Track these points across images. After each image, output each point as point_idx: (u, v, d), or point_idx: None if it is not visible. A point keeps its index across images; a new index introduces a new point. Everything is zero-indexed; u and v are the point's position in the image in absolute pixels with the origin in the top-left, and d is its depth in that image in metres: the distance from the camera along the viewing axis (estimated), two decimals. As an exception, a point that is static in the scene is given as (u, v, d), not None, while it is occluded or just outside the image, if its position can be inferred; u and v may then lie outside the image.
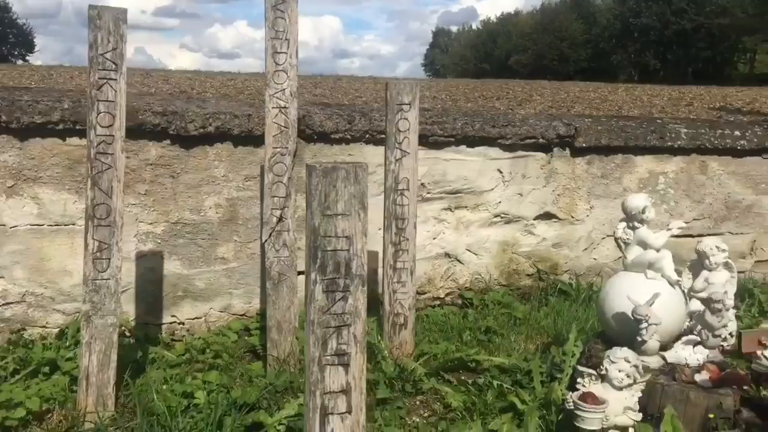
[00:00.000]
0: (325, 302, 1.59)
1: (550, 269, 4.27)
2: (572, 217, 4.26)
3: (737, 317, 3.95)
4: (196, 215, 3.57)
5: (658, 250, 2.65)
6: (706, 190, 4.42)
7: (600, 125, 4.22)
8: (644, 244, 2.68)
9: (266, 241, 2.96)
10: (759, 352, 2.42)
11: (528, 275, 4.25)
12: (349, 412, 1.63)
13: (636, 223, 2.69)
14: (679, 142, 4.28)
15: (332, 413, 1.62)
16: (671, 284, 2.64)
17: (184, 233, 3.56)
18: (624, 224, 2.74)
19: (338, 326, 1.61)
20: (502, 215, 4.16)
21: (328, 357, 1.61)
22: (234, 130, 3.53)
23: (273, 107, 2.90)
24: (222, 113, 3.52)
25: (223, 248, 3.64)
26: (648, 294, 2.53)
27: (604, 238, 4.30)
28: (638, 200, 2.68)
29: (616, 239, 2.77)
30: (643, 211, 2.66)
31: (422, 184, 3.95)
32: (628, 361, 2.17)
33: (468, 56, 71.17)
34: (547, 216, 4.23)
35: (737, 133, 4.37)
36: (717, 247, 2.69)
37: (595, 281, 4.21)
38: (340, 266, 1.60)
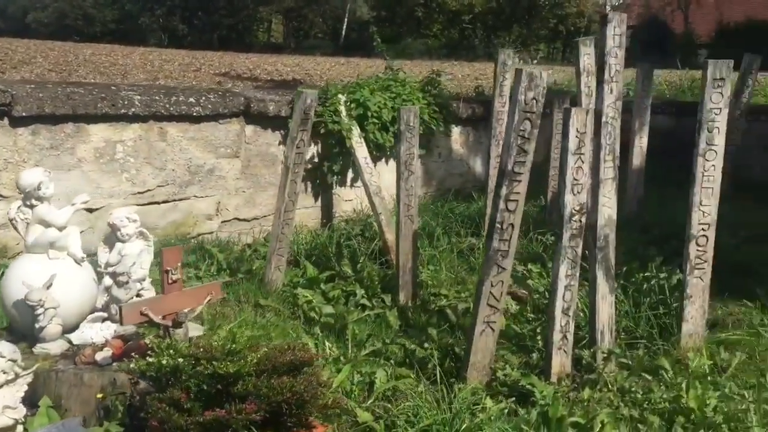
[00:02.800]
0: None
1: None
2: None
3: (198, 278, 4.16)
4: None
5: (61, 228, 2.50)
6: (168, 157, 4.46)
7: (43, 92, 3.88)
8: (46, 223, 2.49)
9: None
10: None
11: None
12: None
13: (34, 201, 2.48)
14: (133, 110, 4.20)
15: None
16: (78, 262, 2.52)
17: None
18: (20, 203, 2.51)
19: None
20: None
21: None
22: None
23: None
24: None
25: None
26: (49, 272, 2.36)
27: (61, 213, 4.03)
28: (32, 176, 2.47)
29: (10, 220, 2.52)
30: (39, 188, 2.47)
31: None
32: (3, 357, 1.97)
33: (-25, 9, 62.26)
34: (-13, 194, 3.77)
35: (192, 99, 4.49)
36: (128, 218, 2.65)
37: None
38: None
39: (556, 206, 4.35)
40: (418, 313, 4.03)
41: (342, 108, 5.11)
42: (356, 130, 5.15)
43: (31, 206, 2.48)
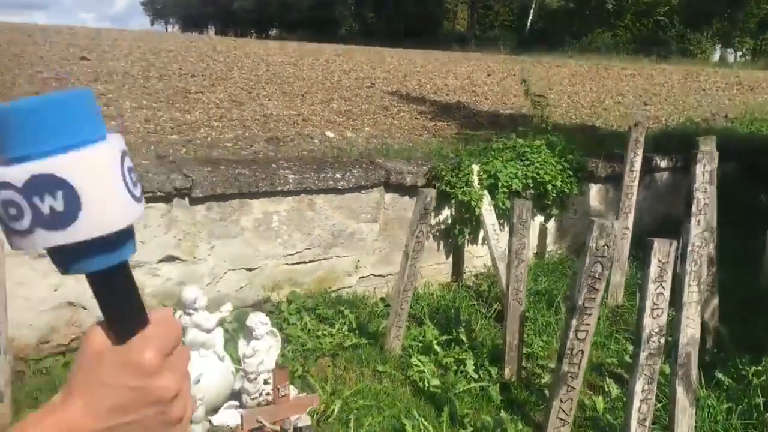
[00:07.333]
0: None
1: (176, 305, 4.76)
2: (194, 257, 4.76)
3: (332, 335, 4.85)
4: None
5: (209, 331, 3.24)
6: (315, 224, 5.19)
7: (216, 176, 4.73)
8: (200, 327, 3.25)
9: None
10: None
11: (155, 313, 4.70)
12: None
13: (191, 310, 3.25)
14: (288, 186, 4.96)
15: None
16: (220, 358, 3.25)
17: None
18: (180, 312, 3.28)
19: None
20: (126, 262, 4.52)
21: None
22: None
23: None
24: None
25: None
26: (198, 371, 3.11)
27: (226, 272, 4.89)
28: (190, 293, 3.23)
29: (173, 325, 3.31)
30: (195, 301, 3.22)
31: (39, 242, 4.16)
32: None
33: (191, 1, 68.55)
34: (170, 258, 4.68)
35: (338, 175, 5.17)
36: (261, 323, 3.35)
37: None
38: None
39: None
40: (520, 389, 4.44)
41: (474, 178, 5.56)
42: (487, 199, 5.58)
43: (189, 314, 3.25)
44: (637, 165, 5.47)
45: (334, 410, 3.84)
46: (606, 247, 3.12)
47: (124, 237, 0.65)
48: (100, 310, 0.65)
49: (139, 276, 4.58)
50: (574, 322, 3.19)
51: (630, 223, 5.57)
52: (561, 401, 3.29)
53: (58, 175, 0.57)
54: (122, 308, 0.67)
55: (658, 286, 3.36)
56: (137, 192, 0.64)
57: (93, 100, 0.61)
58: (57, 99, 0.58)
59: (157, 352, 0.66)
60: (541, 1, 49.33)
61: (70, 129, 0.58)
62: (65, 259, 0.61)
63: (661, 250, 3.32)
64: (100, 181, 0.59)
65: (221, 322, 3.38)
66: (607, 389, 4.43)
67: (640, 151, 5.46)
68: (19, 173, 0.56)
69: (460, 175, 5.52)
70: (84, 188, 0.58)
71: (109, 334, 0.67)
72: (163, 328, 0.69)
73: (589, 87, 15.09)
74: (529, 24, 48.24)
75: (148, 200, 4.48)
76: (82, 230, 0.59)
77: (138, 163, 4.87)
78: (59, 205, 0.58)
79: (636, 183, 5.51)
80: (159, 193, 4.49)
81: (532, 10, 49.48)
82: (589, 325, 3.20)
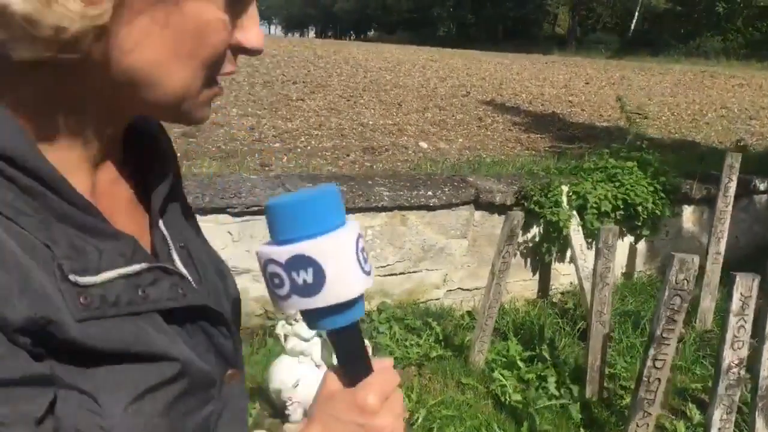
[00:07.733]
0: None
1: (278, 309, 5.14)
2: (294, 266, 5.12)
3: (419, 345, 5.11)
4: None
5: (308, 340, 3.57)
6: (406, 238, 5.46)
7: (316, 191, 5.08)
8: (299, 336, 3.58)
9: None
10: None
11: (257, 315, 5.10)
12: None
13: (292, 320, 3.58)
14: (382, 203, 5.25)
15: None
16: (317, 366, 3.57)
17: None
18: (283, 321, 3.62)
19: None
20: (233, 269, 4.93)
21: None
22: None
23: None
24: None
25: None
26: (297, 376, 3.44)
27: (322, 281, 5.23)
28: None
29: (275, 334, 3.64)
30: (296, 313, 3.55)
31: (159, 249, 4.62)
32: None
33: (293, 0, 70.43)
34: (273, 267, 5.06)
35: (430, 193, 5.42)
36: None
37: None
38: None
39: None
40: (601, 409, 4.55)
41: (564, 198, 5.68)
42: (575, 220, 5.69)
43: (290, 324, 3.58)
44: (732, 190, 5.44)
45: (418, 419, 4.10)
46: (685, 281, 3.23)
47: (356, 303, 0.83)
48: (336, 358, 0.87)
49: (244, 282, 4.99)
50: (651, 351, 3.31)
51: (722, 248, 5.54)
52: (637, 425, 3.42)
53: (309, 256, 0.74)
54: (352, 358, 0.86)
55: (740, 320, 3.43)
56: (367, 267, 0.82)
57: (339, 194, 0.81)
58: (315, 196, 0.78)
59: (379, 396, 0.83)
60: (647, 3, 47.60)
61: (321, 219, 0.77)
62: (312, 318, 0.82)
63: (744, 285, 3.40)
64: (339, 260, 0.75)
65: (318, 332, 3.69)
66: (689, 414, 4.48)
67: (734, 177, 5.43)
68: (283, 253, 0.74)
69: (549, 195, 5.65)
70: (328, 266, 0.74)
71: (341, 378, 0.86)
72: (383, 376, 0.86)
73: (692, 98, 14.68)
74: (633, 26, 46.73)
75: (255, 213, 4.88)
76: (324, 298, 0.77)
77: (245, 178, 5.29)
78: (310, 279, 0.74)
79: (729, 208, 5.48)
80: (264, 206, 4.86)
81: (637, 12, 47.85)
82: (666, 354, 3.32)
